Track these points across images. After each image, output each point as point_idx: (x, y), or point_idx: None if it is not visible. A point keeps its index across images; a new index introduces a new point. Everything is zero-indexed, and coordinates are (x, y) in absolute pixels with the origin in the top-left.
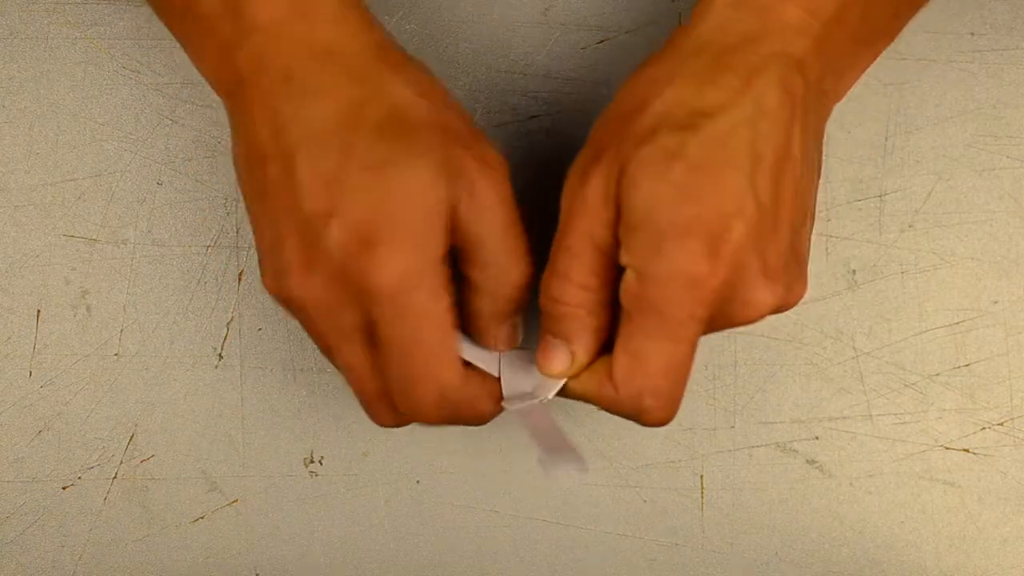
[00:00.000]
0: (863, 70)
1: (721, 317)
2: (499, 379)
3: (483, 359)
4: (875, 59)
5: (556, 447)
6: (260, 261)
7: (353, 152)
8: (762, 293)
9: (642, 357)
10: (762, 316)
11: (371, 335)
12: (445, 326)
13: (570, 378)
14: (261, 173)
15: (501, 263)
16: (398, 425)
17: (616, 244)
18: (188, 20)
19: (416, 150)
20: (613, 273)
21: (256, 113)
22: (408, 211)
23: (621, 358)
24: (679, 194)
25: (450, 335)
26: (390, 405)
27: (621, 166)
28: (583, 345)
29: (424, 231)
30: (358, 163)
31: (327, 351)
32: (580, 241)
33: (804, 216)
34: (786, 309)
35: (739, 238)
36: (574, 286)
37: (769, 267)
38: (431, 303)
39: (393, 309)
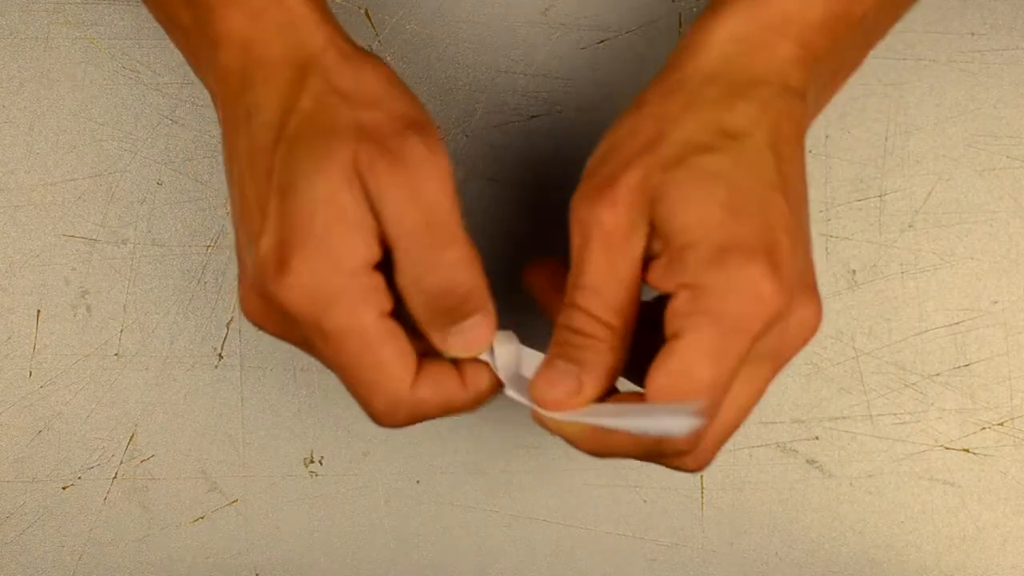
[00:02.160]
0: (828, 102)
1: (776, 340)
2: (489, 365)
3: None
4: (839, 91)
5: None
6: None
7: (273, 176)
8: (810, 309)
9: (687, 374)
10: (809, 339)
11: None
12: (375, 338)
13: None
14: (230, 190)
15: (413, 268)
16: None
17: (639, 277)
18: (174, 34)
19: (321, 160)
20: (633, 312)
21: (224, 136)
22: (313, 227)
23: (660, 379)
24: (729, 212)
25: (385, 344)
26: None
27: (652, 194)
28: (595, 378)
29: (334, 245)
30: (276, 184)
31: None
32: (602, 277)
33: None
34: (816, 332)
35: (790, 254)
36: (596, 322)
37: (809, 284)
38: (351, 319)
39: (314, 330)
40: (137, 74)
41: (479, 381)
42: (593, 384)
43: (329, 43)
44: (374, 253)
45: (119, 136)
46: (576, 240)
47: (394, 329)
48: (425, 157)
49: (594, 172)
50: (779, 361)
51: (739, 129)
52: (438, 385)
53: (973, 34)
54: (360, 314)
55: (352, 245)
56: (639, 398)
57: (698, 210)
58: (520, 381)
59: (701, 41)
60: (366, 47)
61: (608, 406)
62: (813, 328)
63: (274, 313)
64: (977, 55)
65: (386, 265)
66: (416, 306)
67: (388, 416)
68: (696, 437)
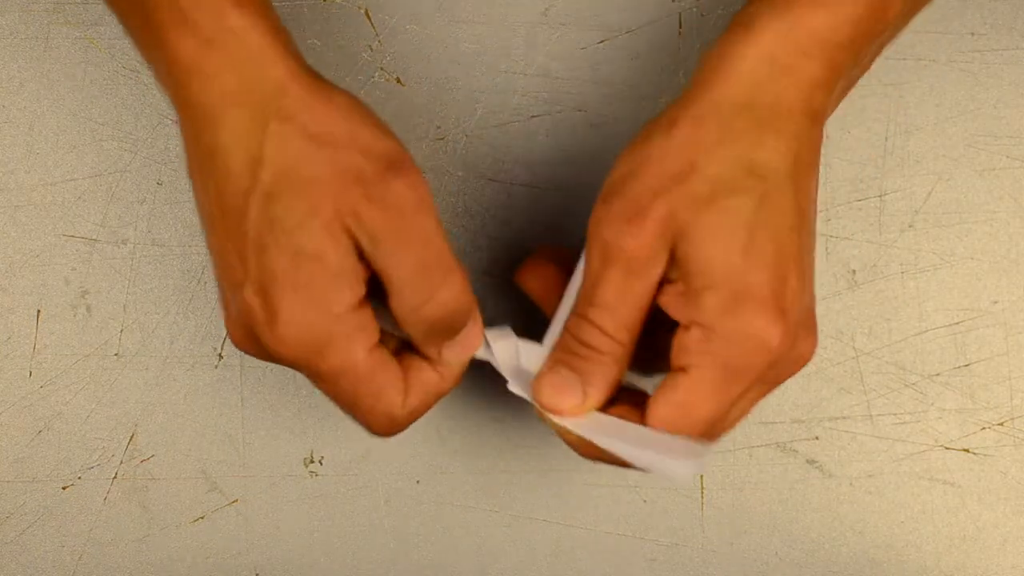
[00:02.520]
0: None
1: (775, 374)
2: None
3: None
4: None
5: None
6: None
7: (248, 229)
8: (809, 344)
9: (689, 408)
10: (802, 367)
11: None
12: (367, 372)
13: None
14: (201, 218)
15: (413, 299)
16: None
17: (652, 298)
18: (136, 45)
19: (303, 216)
20: (641, 328)
21: (186, 154)
22: (297, 280)
23: (663, 409)
24: (748, 259)
25: (377, 375)
26: None
27: (677, 229)
28: (598, 389)
29: (319, 295)
30: (253, 241)
31: None
32: (618, 297)
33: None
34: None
35: (795, 294)
36: (606, 337)
37: (811, 319)
38: (344, 359)
39: (308, 372)
40: (137, 74)
41: (454, 368)
42: (596, 396)
43: (291, 79)
44: (358, 294)
45: (119, 136)
46: (595, 259)
47: (383, 358)
48: (411, 199)
49: (619, 191)
50: (770, 388)
51: (765, 165)
52: (423, 390)
53: (973, 34)
54: (351, 353)
55: (338, 292)
56: (638, 416)
57: (720, 255)
58: (521, 373)
59: (733, 59)
60: (366, 47)
61: (611, 422)
62: (807, 359)
63: (262, 350)
64: (977, 55)
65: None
66: (413, 331)
67: (386, 431)
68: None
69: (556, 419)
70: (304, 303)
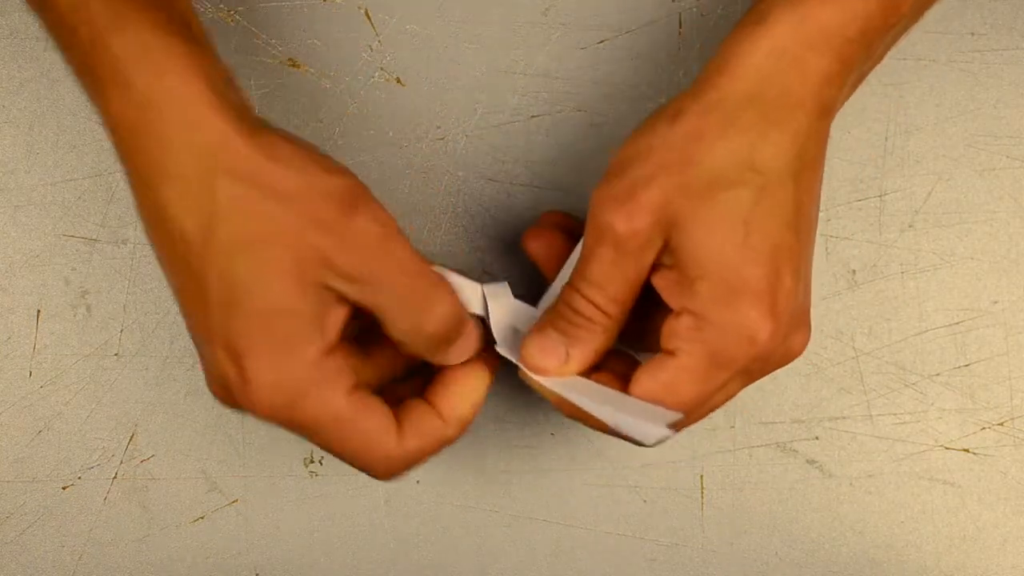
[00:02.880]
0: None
1: (761, 365)
2: (485, 322)
3: (465, 289)
4: None
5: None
6: None
7: (209, 291)
8: (797, 341)
9: (673, 389)
10: (790, 362)
11: None
12: (350, 415)
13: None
14: (166, 277)
15: (406, 324)
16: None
17: (644, 278)
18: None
19: (266, 271)
20: (632, 303)
21: (137, 205)
22: (266, 334)
23: (649, 384)
24: (742, 253)
25: (361, 417)
26: None
27: (672, 218)
28: (582, 354)
29: (289, 344)
30: (216, 302)
31: None
32: (610, 276)
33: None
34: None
35: (789, 291)
36: (596, 309)
37: (804, 315)
38: (323, 407)
39: (290, 426)
40: None
41: (456, 409)
42: (580, 359)
43: (233, 133)
44: (329, 340)
45: None
46: (590, 237)
47: (365, 399)
48: (376, 232)
49: (619, 173)
50: (754, 379)
51: (767, 161)
52: (421, 430)
53: (973, 34)
54: (329, 400)
55: (307, 342)
56: (619, 386)
57: (715, 247)
58: (513, 336)
59: (743, 53)
60: (366, 47)
61: (588, 385)
62: (796, 354)
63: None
64: (977, 55)
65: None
66: (415, 349)
67: (386, 473)
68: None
69: (538, 379)
70: (274, 360)
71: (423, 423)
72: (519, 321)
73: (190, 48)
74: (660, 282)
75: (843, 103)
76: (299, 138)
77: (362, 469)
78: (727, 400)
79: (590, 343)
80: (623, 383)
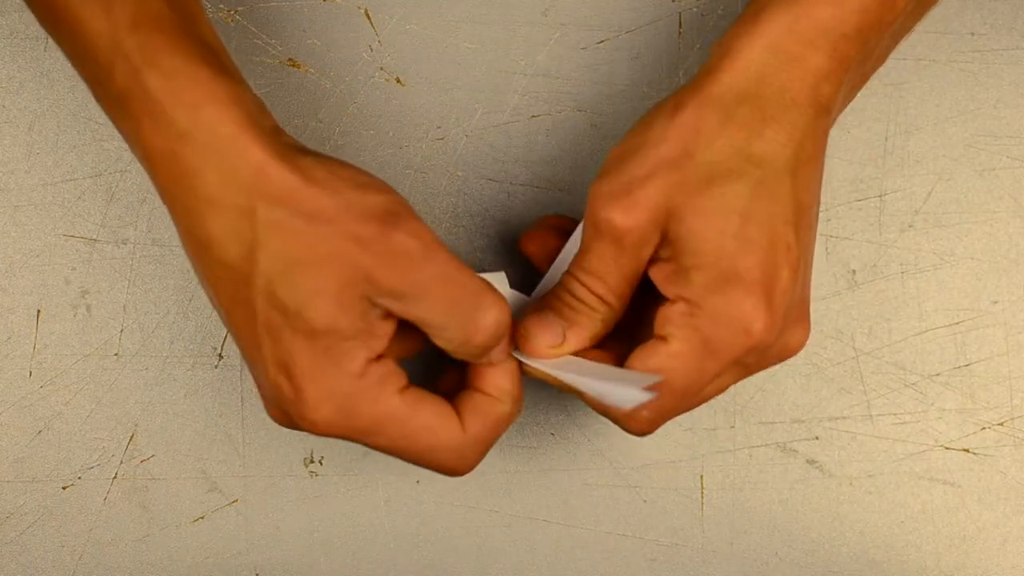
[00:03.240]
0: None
1: (756, 358)
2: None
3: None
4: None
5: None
6: None
7: (256, 314)
8: (795, 337)
9: (665, 372)
10: (787, 358)
11: None
12: (409, 413)
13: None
14: (214, 307)
15: (456, 334)
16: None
17: (642, 271)
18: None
19: (309, 294)
20: (631, 295)
21: (182, 240)
22: (314, 354)
23: (639, 367)
24: (739, 244)
25: (420, 412)
26: None
27: (669, 211)
28: (577, 337)
29: (336, 360)
30: (263, 325)
31: None
32: (608, 270)
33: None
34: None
35: (786, 288)
36: (595, 297)
37: (802, 312)
38: (379, 410)
39: (354, 434)
40: None
41: (502, 386)
42: (574, 342)
43: (269, 161)
44: (376, 350)
45: (119, 136)
46: (588, 231)
47: (419, 395)
48: (417, 246)
49: (617, 167)
50: (750, 372)
51: (764, 156)
52: (478, 411)
53: (973, 34)
54: (382, 401)
55: (352, 354)
56: (610, 361)
57: (712, 238)
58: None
59: (739, 49)
60: (366, 47)
61: (580, 362)
62: (794, 350)
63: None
64: (977, 55)
65: None
66: (464, 356)
67: (460, 462)
68: (638, 409)
69: (531, 361)
70: (321, 375)
71: (478, 406)
72: (514, 310)
73: (223, 79)
74: (657, 274)
75: (844, 103)
76: (335, 159)
77: (436, 466)
78: (719, 392)
79: (587, 328)
80: (612, 360)
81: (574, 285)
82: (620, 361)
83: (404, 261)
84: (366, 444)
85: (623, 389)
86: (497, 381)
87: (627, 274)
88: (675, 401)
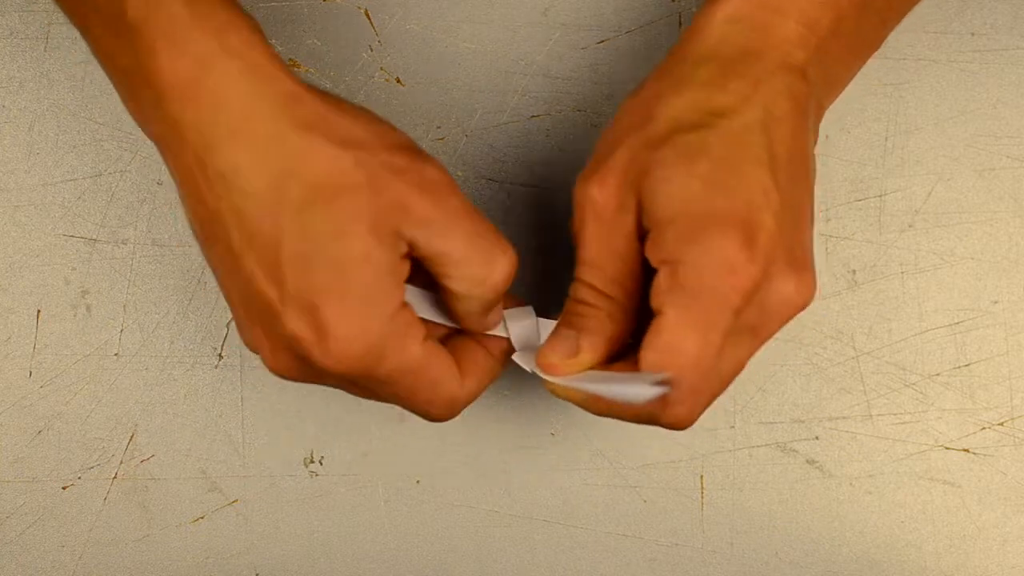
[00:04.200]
0: (851, 78)
1: (757, 313)
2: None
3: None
4: (862, 67)
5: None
6: (237, 325)
7: (283, 245)
8: (792, 285)
9: (673, 349)
10: (792, 314)
11: None
12: (425, 364)
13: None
14: (210, 254)
15: (475, 271)
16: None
17: (637, 251)
18: (113, 75)
19: (344, 224)
20: (635, 284)
21: (186, 195)
22: (347, 286)
23: (651, 355)
24: (708, 187)
25: (433, 365)
26: None
27: (638, 172)
28: (592, 343)
29: (372, 296)
30: (290, 257)
31: None
32: (599, 253)
33: (812, 215)
34: (803, 309)
35: (770, 230)
36: (596, 293)
37: (795, 260)
38: (402, 357)
39: (368, 380)
40: None
41: (499, 344)
42: (590, 349)
43: (300, 89)
44: (402, 290)
45: (119, 136)
46: (575, 218)
47: (435, 348)
48: (445, 179)
49: (593, 156)
50: (760, 334)
51: (728, 107)
52: (478, 369)
53: (973, 34)
54: (408, 349)
55: (388, 294)
56: (633, 367)
57: (679, 186)
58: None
59: (700, 25)
60: (366, 47)
61: (599, 373)
62: (796, 304)
63: (312, 371)
64: (977, 55)
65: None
66: (474, 304)
67: (447, 414)
68: (664, 402)
69: (556, 379)
70: (355, 312)
71: (478, 362)
72: (545, 335)
73: (243, 13)
74: (647, 250)
75: (834, 78)
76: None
77: (423, 413)
78: (737, 366)
79: (599, 331)
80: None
81: (577, 288)
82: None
83: (435, 190)
84: (365, 389)
85: (636, 387)
86: (491, 340)
87: (619, 253)
88: (694, 376)
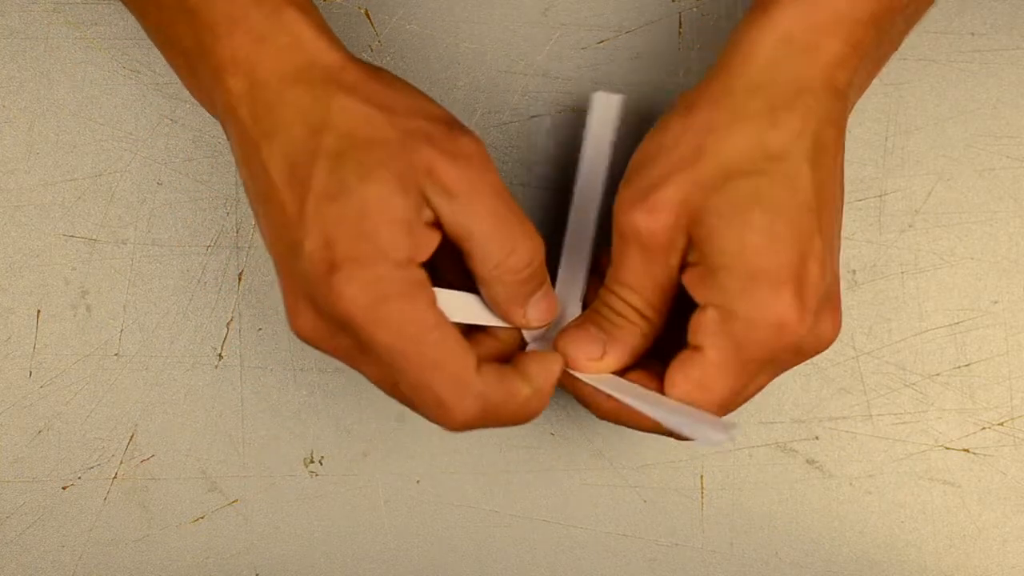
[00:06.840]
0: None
1: (792, 356)
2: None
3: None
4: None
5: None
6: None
7: (312, 185)
8: (828, 326)
9: (707, 387)
10: (823, 350)
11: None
12: (432, 322)
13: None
14: (257, 215)
15: (498, 251)
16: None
17: (676, 281)
18: (173, 56)
19: (371, 169)
20: (669, 308)
21: (239, 155)
22: (364, 225)
23: (682, 384)
24: (763, 239)
25: (442, 326)
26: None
27: (691, 215)
28: (618, 351)
29: (382, 239)
30: (318, 195)
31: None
32: (641, 281)
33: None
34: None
35: (816, 279)
36: (634, 311)
37: (832, 299)
38: (406, 306)
39: (370, 324)
40: (137, 74)
41: (536, 375)
42: (615, 357)
43: (347, 61)
44: (421, 252)
45: (119, 136)
46: (616, 240)
47: (447, 324)
48: (479, 153)
49: (637, 173)
50: (787, 367)
51: (780, 148)
52: (499, 375)
53: (973, 34)
54: (415, 301)
55: (400, 239)
56: (656, 385)
57: (735, 237)
58: (544, 337)
59: (750, 42)
60: (366, 47)
61: (636, 388)
62: (829, 341)
63: (326, 322)
64: (977, 55)
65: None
66: (499, 288)
67: (457, 402)
68: None
69: (578, 374)
70: (367, 252)
71: (503, 372)
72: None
73: None
74: (688, 280)
75: (861, 90)
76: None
77: (430, 394)
78: (757, 391)
79: (627, 342)
80: (657, 382)
81: (611, 298)
82: (659, 378)
83: (465, 161)
84: (367, 347)
85: (709, 428)
86: (534, 369)
87: (660, 283)
88: (718, 409)
